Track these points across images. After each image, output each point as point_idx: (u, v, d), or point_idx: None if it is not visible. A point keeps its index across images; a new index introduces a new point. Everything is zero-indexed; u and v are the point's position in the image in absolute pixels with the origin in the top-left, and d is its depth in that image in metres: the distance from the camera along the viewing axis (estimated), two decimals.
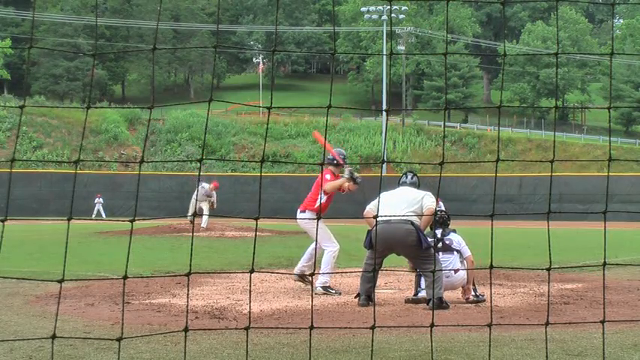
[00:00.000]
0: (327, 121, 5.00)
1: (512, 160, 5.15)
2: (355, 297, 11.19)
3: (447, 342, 7.74)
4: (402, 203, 11.33)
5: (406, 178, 12.03)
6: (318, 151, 68.31)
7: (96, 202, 52.61)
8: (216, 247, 21.21)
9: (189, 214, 29.44)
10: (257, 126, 73.72)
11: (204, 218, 30.10)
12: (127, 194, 53.44)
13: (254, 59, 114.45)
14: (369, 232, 11.22)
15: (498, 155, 5.13)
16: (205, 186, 30.82)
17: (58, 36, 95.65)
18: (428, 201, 11.37)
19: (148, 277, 13.27)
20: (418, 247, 10.96)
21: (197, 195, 29.51)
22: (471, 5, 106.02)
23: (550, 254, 4.82)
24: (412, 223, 11.06)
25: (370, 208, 11.50)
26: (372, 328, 4.93)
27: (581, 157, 67.76)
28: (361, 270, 11.87)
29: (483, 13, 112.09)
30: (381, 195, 11.53)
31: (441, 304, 10.49)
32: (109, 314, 9.80)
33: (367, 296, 10.90)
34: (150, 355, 7.17)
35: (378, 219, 10.65)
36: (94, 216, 50.04)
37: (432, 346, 6.77)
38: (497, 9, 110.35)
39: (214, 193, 31.58)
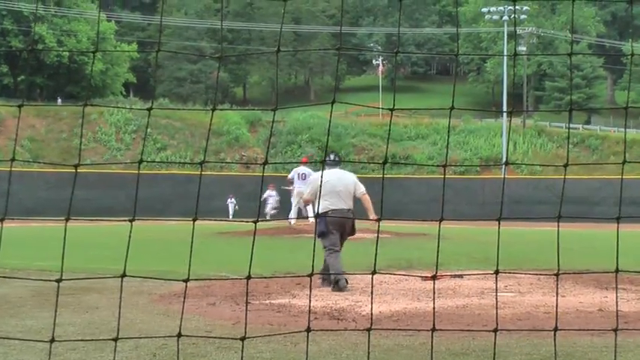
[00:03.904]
0: (449, 122, 4.99)
1: (639, 162, 5.05)
2: (334, 285, 12.30)
3: (569, 347, 7.64)
4: (347, 194, 12.98)
5: (333, 159, 13.63)
6: (438, 152, 67.96)
7: (228, 202, 53.31)
8: None
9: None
10: (376, 127, 73.56)
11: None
12: (248, 195, 53.88)
13: (374, 61, 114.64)
14: (321, 219, 12.74)
15: (625, 157, 5.03)
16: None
17: (182, 39, 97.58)
18: (360, 187, 13.21)
19: (268, 277, 13.39)
20: (352, 233, 13.16)
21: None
22: (595, 4, 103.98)
23: None
24: (352, 213, 12.97)
25: (312, 195, 13.34)
26: (495, 331, 4.90)
27: None
28: (325, 266, 12.83)
29: (608, 12, 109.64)
30: (317, 179, 13.48)
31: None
32: (230, 314, 9.96)
33: (345, 279, 12.34)
34: (270, 354, 7.26)
35: (330, 207, 12.74)
36: (231, 217, 50.65)
37: (555, 350, 6.68)
38: (623, 8, 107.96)
39: None
